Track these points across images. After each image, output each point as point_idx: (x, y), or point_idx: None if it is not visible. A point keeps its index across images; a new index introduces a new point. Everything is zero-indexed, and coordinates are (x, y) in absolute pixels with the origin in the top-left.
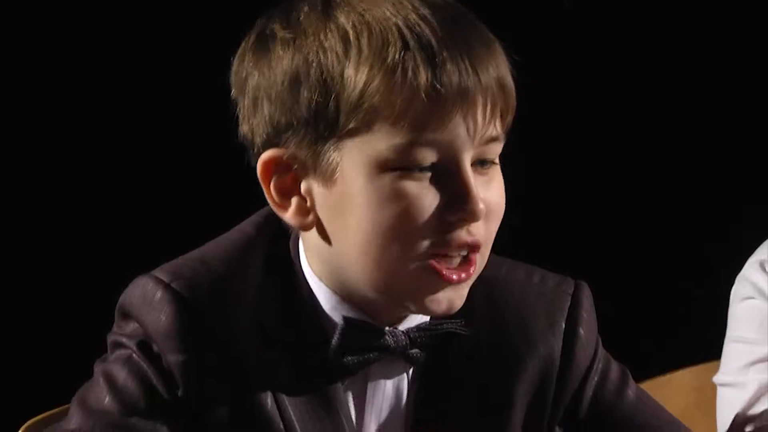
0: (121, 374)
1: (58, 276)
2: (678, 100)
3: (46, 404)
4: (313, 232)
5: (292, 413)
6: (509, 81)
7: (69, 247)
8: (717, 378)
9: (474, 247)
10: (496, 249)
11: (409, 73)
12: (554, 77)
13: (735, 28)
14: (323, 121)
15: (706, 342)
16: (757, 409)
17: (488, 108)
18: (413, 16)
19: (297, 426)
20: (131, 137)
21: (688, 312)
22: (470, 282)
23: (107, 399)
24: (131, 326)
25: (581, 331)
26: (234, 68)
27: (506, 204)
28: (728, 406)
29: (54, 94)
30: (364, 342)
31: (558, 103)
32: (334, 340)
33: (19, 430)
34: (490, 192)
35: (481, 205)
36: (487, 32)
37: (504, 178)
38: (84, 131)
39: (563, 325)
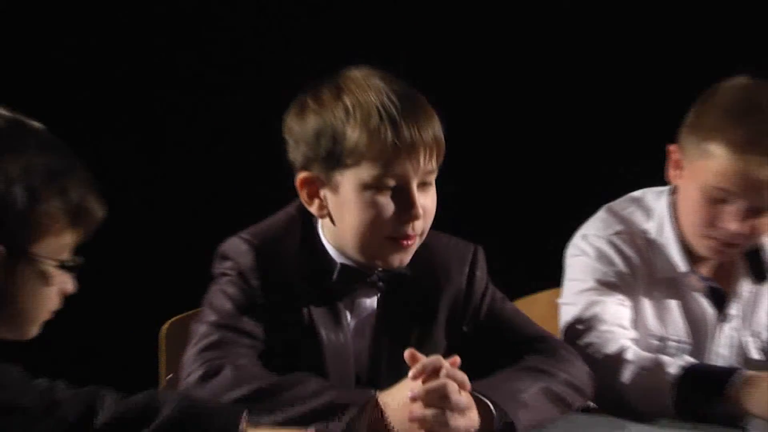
0: (231, 290)
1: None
2: (548, 99)
3: (182, 307)
4: (327, 219)
5: (316, 319)
6: (441, 136)
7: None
8: (560, 300)
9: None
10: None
11: (381, 135)
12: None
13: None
14: (332, 159)
15: (559, 275)
16: (583, 317)
17: (427, 154)
18: (385, 99)
19: (320, 328)
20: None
21: (551, 255)
22: (414, 247)
23: (227, 305)
24: (228, 263)
25: (477, 273)
26: (287, 121)
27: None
28: (567, 316)
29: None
30: (352, 278)
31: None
32: (334, 277)
33: (164, 325)
34: (427, 200)
35: (421, 211)
36: (428, 105)
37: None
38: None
39: (467, 269)
